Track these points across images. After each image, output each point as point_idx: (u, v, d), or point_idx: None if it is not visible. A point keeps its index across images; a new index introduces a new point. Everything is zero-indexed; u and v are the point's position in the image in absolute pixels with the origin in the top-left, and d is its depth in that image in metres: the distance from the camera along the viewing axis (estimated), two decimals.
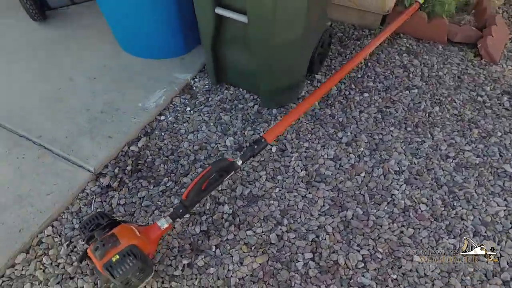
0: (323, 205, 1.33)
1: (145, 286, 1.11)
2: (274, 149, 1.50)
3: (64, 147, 1.47)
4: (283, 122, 1.38)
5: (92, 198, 1.34)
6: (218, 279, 1.15)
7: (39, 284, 1.13)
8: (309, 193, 1.36)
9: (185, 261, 1.18)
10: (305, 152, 1.50)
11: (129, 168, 1.44)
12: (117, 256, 0.94)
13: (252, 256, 1.20)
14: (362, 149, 1.51)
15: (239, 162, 1.24)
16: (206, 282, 1.14)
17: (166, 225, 1.09)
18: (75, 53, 1.92)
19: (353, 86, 1.77)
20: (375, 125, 1.61)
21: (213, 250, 1.21)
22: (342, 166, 1.45)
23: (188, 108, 1.68)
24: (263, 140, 1.29)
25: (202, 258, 1.19)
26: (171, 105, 1.69)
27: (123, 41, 1.91)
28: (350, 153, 1.50)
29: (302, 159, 1.47)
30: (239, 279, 1.15)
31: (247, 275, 1.15)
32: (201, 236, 1.24)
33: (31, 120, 1.58)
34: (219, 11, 1.32)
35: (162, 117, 1.64)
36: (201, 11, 1.41)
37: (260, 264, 1.18)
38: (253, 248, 1.22)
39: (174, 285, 1.13)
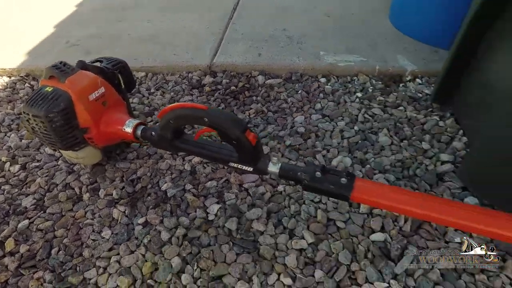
0: None
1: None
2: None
3: None
4: (413, 199, 0.56)
5: None
6: None
7: None
8: None
9: None
10: None
11: None
12: (50, 89, 0.69)
13: None
14: None
15: (272, 168, 0.62)
16: None
17: (127, 129, 0.73)
18: None
19: None
20: None
21: None
22: None
23: (358, 94, 1.06)
24: (347, 183, 0.57)
25: None
26: (353, 77, 1.13)
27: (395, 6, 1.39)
28: None
29: None
30: None
31: None
32: None
33: None
34: None
35: (323, 80, 1.13)
36: None
37: None
38: None
39: None
